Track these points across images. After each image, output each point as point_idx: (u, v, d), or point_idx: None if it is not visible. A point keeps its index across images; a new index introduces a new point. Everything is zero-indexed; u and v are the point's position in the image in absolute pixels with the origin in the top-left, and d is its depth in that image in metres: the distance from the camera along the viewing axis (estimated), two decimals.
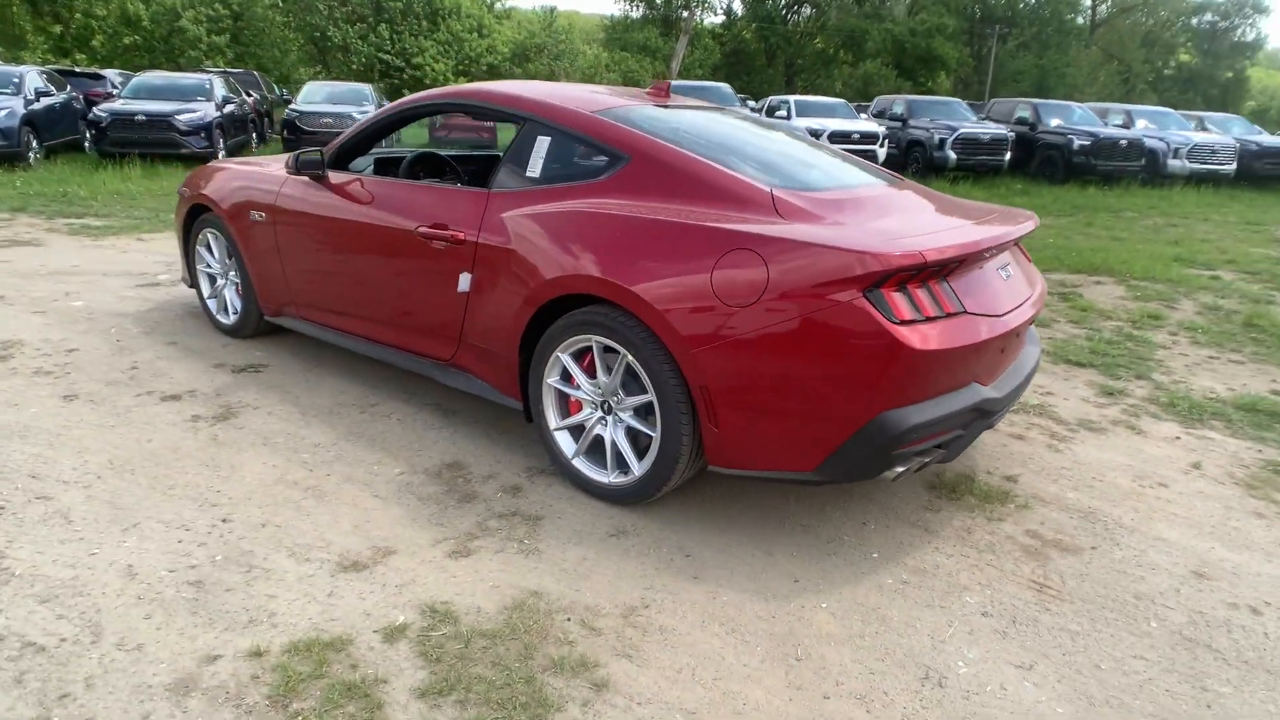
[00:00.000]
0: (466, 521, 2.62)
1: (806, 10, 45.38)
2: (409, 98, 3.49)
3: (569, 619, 2.16)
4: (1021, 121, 15.56)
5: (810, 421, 2.31)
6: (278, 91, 22.67)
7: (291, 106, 14.49)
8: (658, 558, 2.46)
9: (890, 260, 2.18)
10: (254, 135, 14.99)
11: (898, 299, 2.23)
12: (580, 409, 2.80)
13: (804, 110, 15.58)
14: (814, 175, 2.97)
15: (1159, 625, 2.25)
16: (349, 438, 3.20)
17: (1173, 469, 3.20)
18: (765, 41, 43.97)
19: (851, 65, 42.77)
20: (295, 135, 13.21)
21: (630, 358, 2.53)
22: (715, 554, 2.50)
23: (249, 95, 15.69)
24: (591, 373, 2.72)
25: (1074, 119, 15.23)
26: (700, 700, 1.91)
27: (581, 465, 2.80)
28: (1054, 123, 15.16)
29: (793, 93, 24.69)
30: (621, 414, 2.67)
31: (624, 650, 2.06)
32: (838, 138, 14.18)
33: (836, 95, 25.78)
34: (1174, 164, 14.50)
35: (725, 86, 16.12)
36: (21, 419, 3.19)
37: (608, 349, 2.62)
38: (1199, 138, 14.88)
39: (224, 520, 2.56)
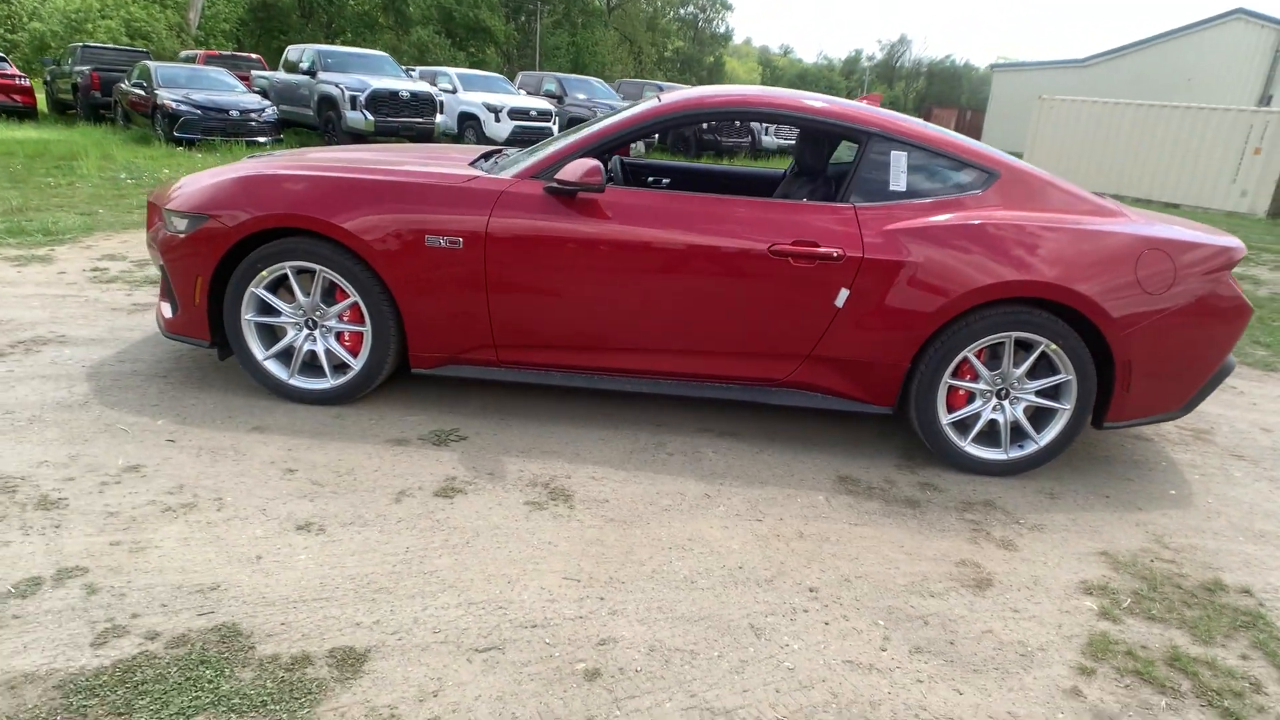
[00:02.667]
0: (949, 521, 2.77)
1: None
2: (690, 100, 3.16)
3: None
4: (549, 94, 16.75)
5: (1190, 373, 3.07)
6: None
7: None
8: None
9: (1243, 250, 3.03)
10: None
11: (1233, 277, 3.09)
12: (970, 400, 3.10)
13: (470, 84, 15.33)
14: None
15: None
16: (728, 480, 2.91)
17: None
18: None
19: (395, 30, 41.76)
20: None
21: (1054, 346, 2.95)
22: None
23: None
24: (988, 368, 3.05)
25: (596, 94, 16.94)
26: None
27: (973, 449, 3.11)
28: (580, 96, 16.70)
29: None
30: (1019, 399, 3.07)
31: None
32: (517, 114, 14.42)
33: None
34: (767, 140, 18.07)
35: (384, 55, 14.90)
36: None
37: (1024, 344, 2.99)
38: None
39: (811, 590, 2.30)
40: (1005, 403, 3.09)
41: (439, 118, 13.53)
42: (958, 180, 3.08)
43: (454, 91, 14.92)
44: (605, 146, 3.08)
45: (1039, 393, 3.07)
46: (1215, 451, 3.59)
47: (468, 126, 14.62)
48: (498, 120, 14.26)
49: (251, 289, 3.10)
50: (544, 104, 15.00)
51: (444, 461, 2.88)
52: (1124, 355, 2.95)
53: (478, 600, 2.13)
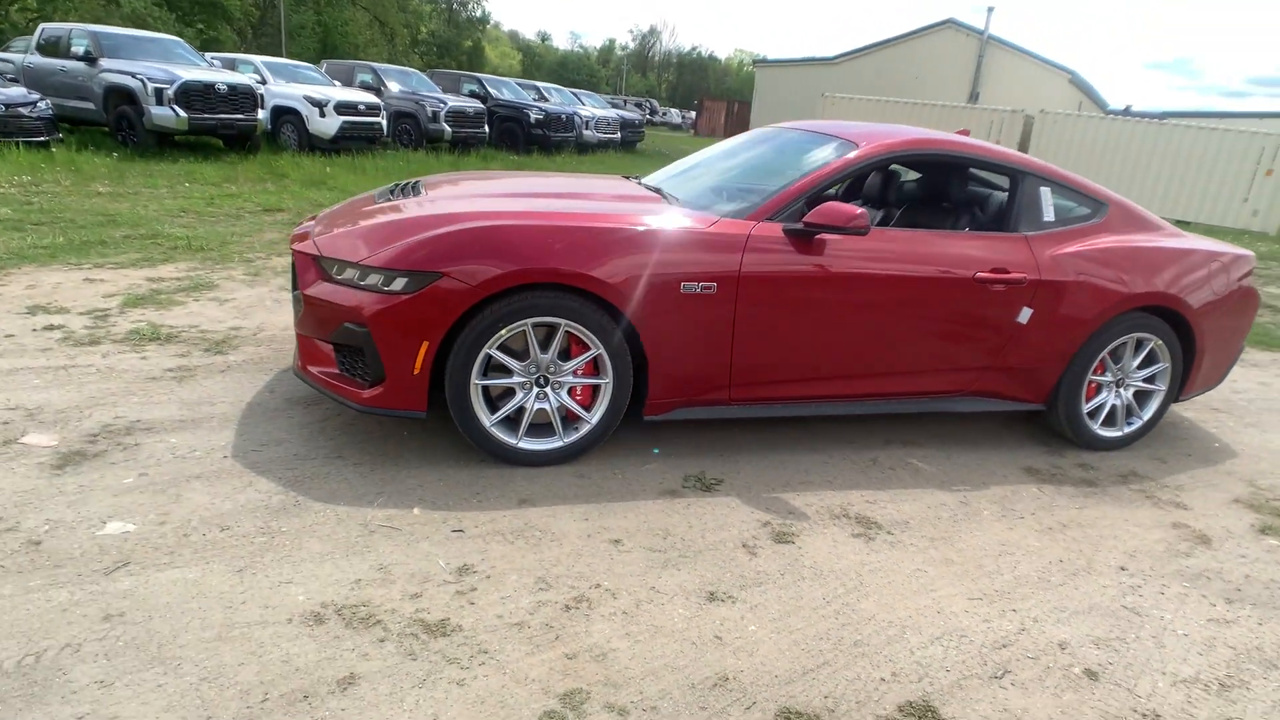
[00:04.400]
0: None
1: None
2: (904, 141, 3.42)
3: None
4: (365, 86, 15.25)
5: (1229, 355, 3.96)
6: None
7: None
8: None
9: (1255, 258, 3.97)
10: None
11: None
12: (1098, 391, 3.74)
13: (279, 73, 13.81)
14: None
15: None
16: (956, 485, 3.27)
17: None
18: None
19: (104, 3, 35.74)
20: None
21: (1159, 341, 3.66)
22: None
23: None
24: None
25: (419, 86, 15.74)
26: None
27: (1102, 430, 3.76)
28: (400, 88, 15.47)
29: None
30: (1130, 385, 3.76)
31: None
32: (345, 108, 13.33)
33: None
34: (588, 134, 18.33)
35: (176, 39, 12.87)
36: None
37: (1141, 341, 3.66)
38: (601, 113, 19.04)
39: (1122, 568, 2.75)
40: (1122, 390, 3.77)
41: (260, 113, 12.09)
42: (1083, 210, 3.67)
43: (263, 83, 13.36)
44: (824, 189, 3.24)
45: (1144, 379, 3.79)
46: (1209, 413, 4.61)
47: (285, 122, 13.19)
48: (323, 115, 13.02)
49: (486, 350, 2.86)
50: (371, 97, 13.95)
51: (735, 509, 2.91)
52: (1201, 345, 3.74)
53: (941, 635, 2.30)
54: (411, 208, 3.12)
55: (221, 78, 11.49)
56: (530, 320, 2.86)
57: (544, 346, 2.94)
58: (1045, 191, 3.57)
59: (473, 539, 2.55)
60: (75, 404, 3.23)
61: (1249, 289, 3.88)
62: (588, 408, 3.07)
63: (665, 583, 2.42)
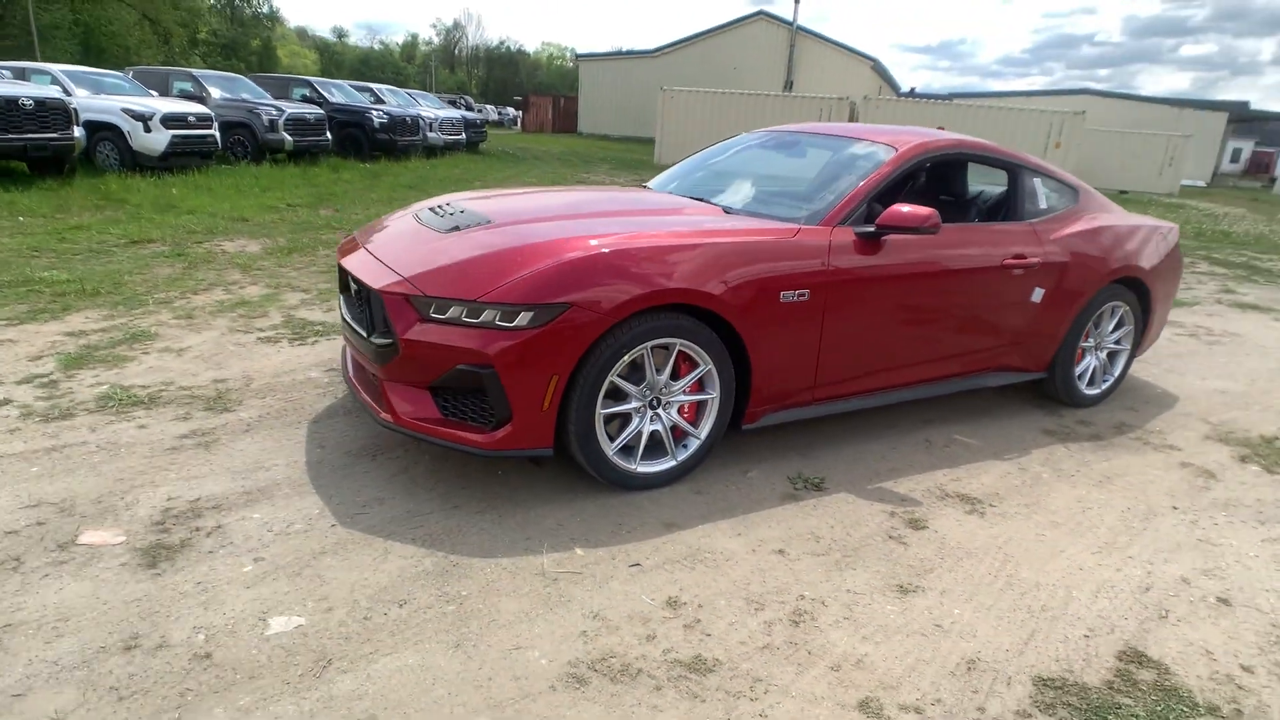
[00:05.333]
0: None
1: None
2: (922, 147, 3.63)
3: None
4: (186, 95, 13.33)
5: (1168, 313, 4.64)
6: None
7: None
8: None
9: (1179, 228, 4.68)
10: None
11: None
12: (1084, 356, 4.25)
13: (82, 83, 12.11)
14: None
15: None
16: (1009, 455, 3.62)
17: None
18: None
19: None
20: None
21: (1126, 307, 4.23)
22: None
23: None
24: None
25: (250, 92, 14.42)
26: None
27: (1088, 390, 4.28)
28: (227, 95, 13.87)
29: None
30: (1104, 347, 4.31)
31: None
32: (173, 121, 11.98)
33: None
34: (433, 136, 17.64)
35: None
36: None
37: (1114, 308, 4.21)
38: (445, 113, 18.35)
39: (1188, 510, 3.20)
40: (1099, 352, 4.31)
41: (77, 131, 10.58)
42: (1064, 197, 4.15)
43: (68, 93, 11.67)
44: (881, 191, 3.44)
45: (1114, 341, 4.36)
46: (1136, 366, 5.35)
47: (102, 140, 11.62)
48: (148, 130, 11.58)
49: (610, 377, 2.79)
50: (200, 107, 12.56)
51: (856, 504, 3.06)
52: (1154, 307, 4.37)
53: (1097, 590, 2.57)
54: (499, 235, 2.96)
55: (26, 91, 9.92)
56: (651, 343, 2.82)
57: (659, 368, 2.92)
58: (1038, 182, 4.01)
59: (652, 570, 2.51)
60: (107, 490, 2.77)
61: (1179, 254, 4.57)
62: (694, 424, 3.08)
63: (854, 584, 2.51)
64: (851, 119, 19.16)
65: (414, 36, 69.04)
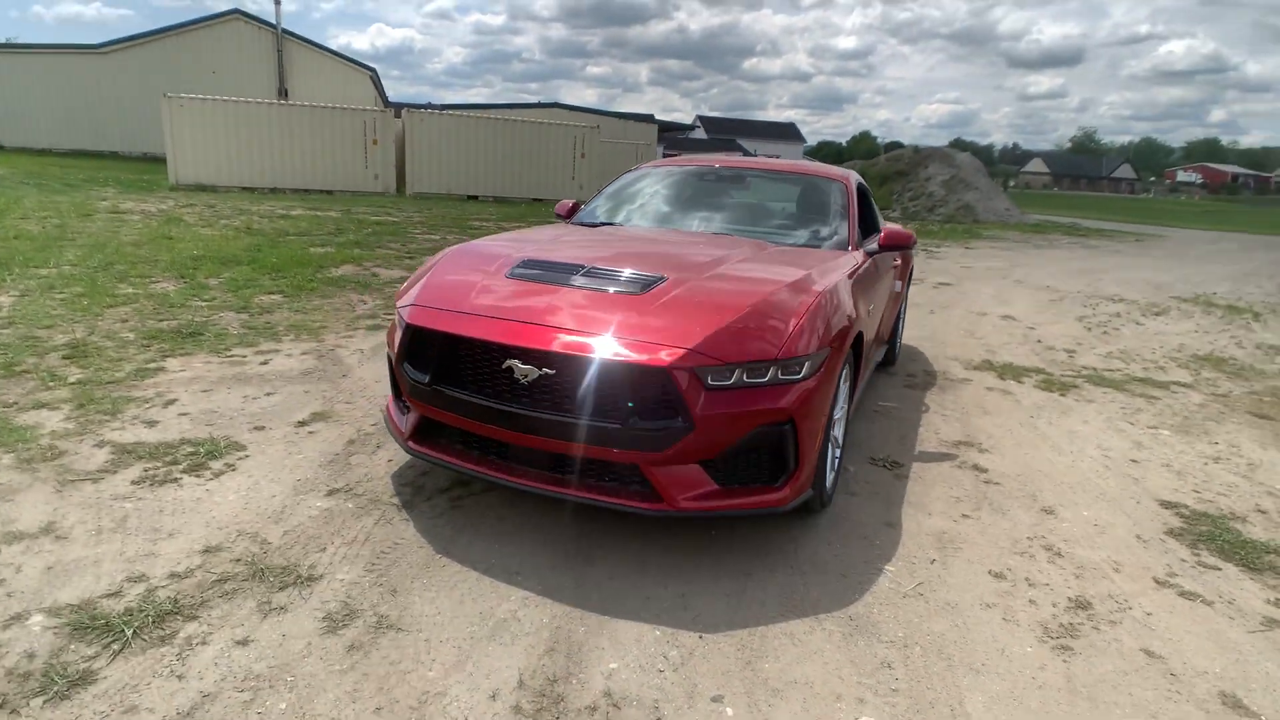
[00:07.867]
0: None
1: None
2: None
3: None
4: None
5: None
6: None
7: None
8: None
9: None
10: None
11: None
12: None
13: None
14: None
15: None
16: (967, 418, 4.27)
17: None
18: None
19: None
20: None
21: None
22: None
23: None
24: None
25: None
26: None
27: None
28: None
29: None
30: None
31: None
32: None
33: None
34: None
35: None
36: None
37: None
38: None
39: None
40: None
41: None
42: None
43: None
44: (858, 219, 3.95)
45: None
46: None
47: None
48: None
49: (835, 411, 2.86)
50: None
51: (943, 473, 3.44)
52: None
53: (1212, 495, 3.33)
54: (717, 291, 2.70)
55: None
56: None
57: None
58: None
59: (937, 611, 2.37)
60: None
61: None
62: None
63: (1087, 562, 2.75)
64: (400, 131, 18.32)
65: None
